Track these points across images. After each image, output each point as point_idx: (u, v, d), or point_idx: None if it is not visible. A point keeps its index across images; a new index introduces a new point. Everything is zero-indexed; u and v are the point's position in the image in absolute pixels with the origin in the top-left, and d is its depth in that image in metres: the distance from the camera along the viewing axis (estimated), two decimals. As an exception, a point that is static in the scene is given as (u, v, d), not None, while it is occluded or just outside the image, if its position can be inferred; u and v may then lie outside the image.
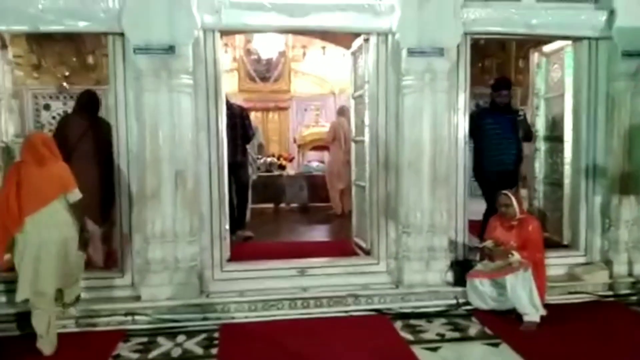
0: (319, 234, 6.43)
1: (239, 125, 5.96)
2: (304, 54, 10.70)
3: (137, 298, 3.89)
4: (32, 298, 3.27)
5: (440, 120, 4.06)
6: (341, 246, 5.33)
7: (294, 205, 8.13)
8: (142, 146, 3.82)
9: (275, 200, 8.08)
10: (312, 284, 4.12)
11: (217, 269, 4.10)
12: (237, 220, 6.19)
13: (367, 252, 4.50)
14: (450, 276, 4.19)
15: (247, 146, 6.33)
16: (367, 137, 4.42)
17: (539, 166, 5.31)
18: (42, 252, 3.25)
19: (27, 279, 3.25)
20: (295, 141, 10.25)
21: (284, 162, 9.45)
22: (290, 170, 9.09)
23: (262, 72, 10.94)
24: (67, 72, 7.60)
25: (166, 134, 3.78)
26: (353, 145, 4.98)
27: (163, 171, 3.80)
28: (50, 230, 3.28)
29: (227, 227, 4.29)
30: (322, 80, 12.21)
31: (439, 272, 4.17)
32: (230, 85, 9.44)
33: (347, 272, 4.24)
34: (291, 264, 4.29)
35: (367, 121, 4.40)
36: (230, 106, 6.24)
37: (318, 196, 8.05)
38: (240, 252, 4.81)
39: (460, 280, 4.14)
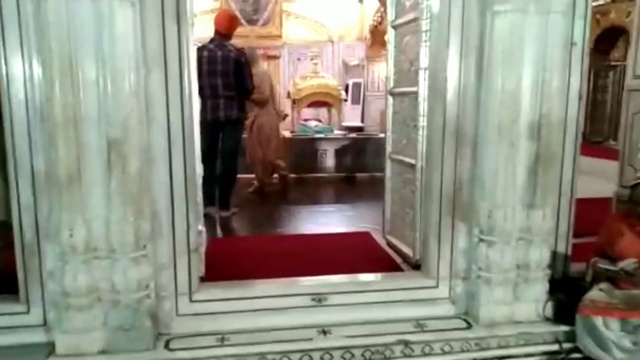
0: (328, 218, 4.86)
1: (233, 72, 4.64)
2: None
3: (50, 350, 2.34)
4: None
5: (551, 60, 2.45)
6: (363, 242, 3.83)
7: (290, 176, 6.53)
8: (48, 97, 2.17)
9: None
10: (336, 320, 2.59)
11: (183, 298, 2.54)
12: (219, 199, 4.68)
13: (415, 265, 2.98)
14: (549, 308, 2.69)
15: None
16: (422, 88, 2.82)
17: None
18: None
19: None
20: (289, 95, 8.60)
21: (275, 121, 7.84)
22: (285, 131, 7.46)
23: (249, 13, 9.62)
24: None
25: (90, 76, 2.14)
26: (390, 99, 3.37)
27: (86, 141, 2.18)
28: None
29: (201, 227, 2.71)
30: (319, 25, 10.87)
31: (534, 303, 2.67)
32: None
33: (389, 300, 2.71)
34: (301, 286, 2.74)
35: (423, 61, 2.79)
36: (222, 45, 4.66)
37: (320, 165, 6.48)
38: (220, 257, 3.28)
39: (564, 313, 2.66)
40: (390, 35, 3.32)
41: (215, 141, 4.63)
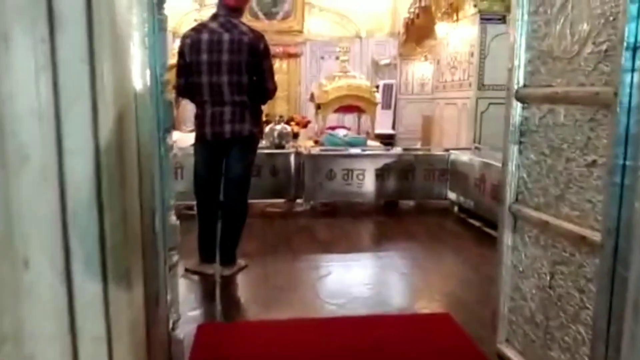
0: (374, 279, 3.36)
1: (247, 66, 3.07)
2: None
3: None
4: None
5: None
6: (445, 337, 2.37)
7: (317, 202, 5.06)
8: None
9: (288, 194, 4.99)
10: None
11: None
12: (221, 248, 3.24)
13: None
14: None
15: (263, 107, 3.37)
16: (626, 86, 1.36)
17: None
18: None
19: None
20: (312, 98, 7.18)
21: (296, 128, 6.43)
22: (308, 142, 6.02)
23: (268, 5, 8.62)
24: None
25: None
26: (516, 106, 1.87)
27: None
28: None
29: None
30: (345, 19, 9.64)
31: None
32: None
33: None
34: None
35: (634, 29, 1.33)
36: (231, 24, 3.07)
37: (355, 189, 5.01)
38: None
39: None
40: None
41: (218, 168, 3.17)
